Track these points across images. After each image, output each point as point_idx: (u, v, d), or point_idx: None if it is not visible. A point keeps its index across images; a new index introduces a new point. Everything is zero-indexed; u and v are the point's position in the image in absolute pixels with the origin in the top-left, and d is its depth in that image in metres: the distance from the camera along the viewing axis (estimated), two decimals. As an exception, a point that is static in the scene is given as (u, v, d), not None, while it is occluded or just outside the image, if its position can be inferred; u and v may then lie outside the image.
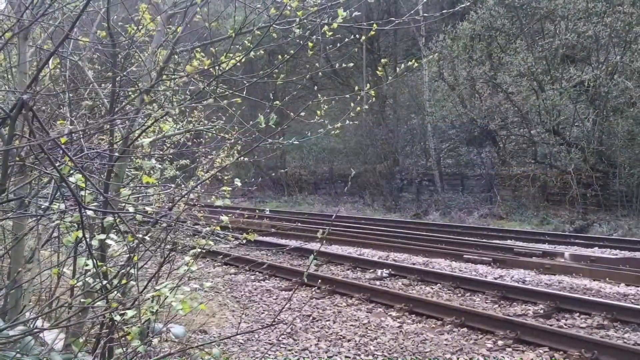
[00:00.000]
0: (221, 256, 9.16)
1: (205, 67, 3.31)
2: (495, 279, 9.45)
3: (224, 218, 2.90)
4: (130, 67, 3.78)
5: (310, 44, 3.41)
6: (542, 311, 7.35)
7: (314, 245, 12.77)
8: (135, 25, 3.52)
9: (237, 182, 2.85)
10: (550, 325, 6.67)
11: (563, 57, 19.31)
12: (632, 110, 17.50)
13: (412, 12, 3.72)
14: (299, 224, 16.00)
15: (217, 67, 3.17)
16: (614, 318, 6.88)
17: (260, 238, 13.46)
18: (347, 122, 3.65)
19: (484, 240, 13.93)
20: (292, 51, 3.38)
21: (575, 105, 18.80)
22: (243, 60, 3.26)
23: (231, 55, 3.23)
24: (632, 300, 7.94)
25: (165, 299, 2.60)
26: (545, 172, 19.47)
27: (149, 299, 2.62)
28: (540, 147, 20.34)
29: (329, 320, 7.13)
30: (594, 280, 9.31)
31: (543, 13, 19.29)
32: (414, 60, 4.01)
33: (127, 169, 3.64)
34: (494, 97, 21.19)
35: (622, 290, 8.54)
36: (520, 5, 19.44)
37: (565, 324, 6.89)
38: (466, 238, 14.20)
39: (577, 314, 7.24)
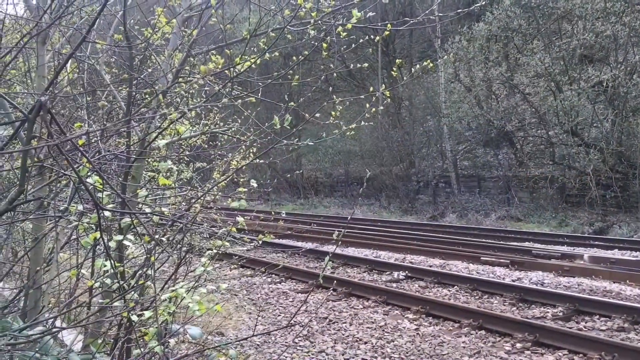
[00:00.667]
0: (237, 257, 9.20)
1: (220, 69, 3.32)
2: (513, 281, 9.36)
3: (240, 219, 2.90)
4: (147, 70, 3.81)
5: (324, 45, 3.40)
6: (561, 314, 7.27)
7: (330, 248, 12.77)
8: (152, 29, 3.55)
9: (253, 183, 2.86)
10: (570, 328, 6.60)
11: (581, 57, 19.10)
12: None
13: (427, 12, 3.70)
14: (315, 226, 16.02)
15: (232, 69, 3.18)
16: (635, 320, 6.78)
17: (277, 240, 13.50)
18: (363, 123, 3.64)
19: (501, 242, 13.81)
20: (306, 52, 3.38)
21: (593, 105, 18.57)
22: (258, 62, 3.27)
23: (246, 57, 3.24)
24: (654, 303, 7.82)
25: (182, 299, 2.61)
26: (564, 174, 19.26)
27: (165, 299, 2.63)
28: (559, 148, 20.13)
29: (345, 323, 7.11)
30: (614, 282, 9.19)
31: (560, 13, 19.12)
32: (429, 61, 4.00)
33: (143, 171, 3.67)
34: (511, 98, 21.03)
35: (643, 292, 8.41)
36: (537, 6, 19.27)
37: (585, 327, 6.81)
38: (483, 240, 14.09)
39: (597, 316, 7.15)
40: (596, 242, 13.65)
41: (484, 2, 3.84)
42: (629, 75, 17.49)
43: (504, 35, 20.48)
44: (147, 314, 2.53)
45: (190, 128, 4.39)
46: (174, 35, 3.68)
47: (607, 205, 18.03)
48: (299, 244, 14.22)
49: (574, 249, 12.60)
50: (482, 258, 11.20)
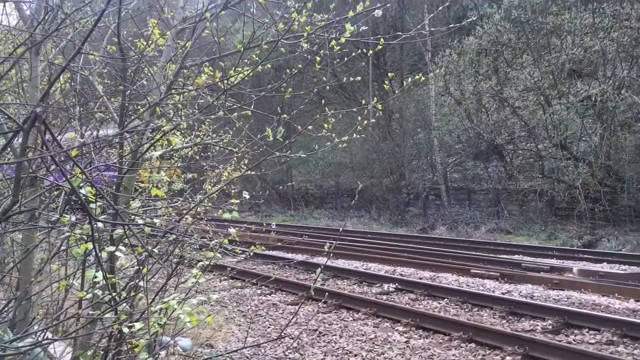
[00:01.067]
0: (228, 269, 9.16)
1: (214, 82, 3.34)
2: (503, 294, 9.39)
3: (232, 230, 2.91)
4: (140, 81, 3.82)
5: (317, 59, 3.43)
6: (550, 327, 7.29)
7: (320, 260, 12.76)
8: (145, 40, 3.57)
9: (245, 195, 2.87)
10: (559, 341, 6.62)
11: (570, 71, 19.32)
12: (640, 124, 17.49)
13: (418, 26, 3.75)
14: (306, 238, 15.99)
15: (225, 81, 3.20)
16: (624, 334, 6.81)
17: (267, 252, 13.46)
18: (354, 135, 3.66)
19: (491, 255, 13.86)
20: (300, 65, 3.41)
21: (582, 119, 18.76)
22: (251, 74, 3.29)
23: (239, 69, 3.26)
24: (642, 316, 7.86)
25: (173, 311, 2.61)
26: (553, 187, 19.38)
27: (156, 311, 2.63)
28: (548, 162, 20.29)
29: (335, 335, 7.10)
30: (603, 295, 9.24)
31: (549, 28, 19.34)
32: (421, 75, 4.04)
33: (135, 182, 3.67)
34: (501, 111, 21.20)
35: (632, 305, 8.46)
36: (526, 20, 19.50)
37: (574, 340, 6.83)
38: (473, 253, 14.13)
39: (586, 329, 7.18)
40: (585, 256, 13.72)
41: (474, 17, 3.89)
42: (617, 89, 17.72)
43: (494, 49, 20.69)
44: (138, 325, 2.53)
45: (182, 139, 4.40)
46: (167, 47, 3.70)
47: (595, 218, 18.15)
48: (290, 255, 14.20)
49: (563, 262, 12.66)
50: (472, 271, 11.22)
